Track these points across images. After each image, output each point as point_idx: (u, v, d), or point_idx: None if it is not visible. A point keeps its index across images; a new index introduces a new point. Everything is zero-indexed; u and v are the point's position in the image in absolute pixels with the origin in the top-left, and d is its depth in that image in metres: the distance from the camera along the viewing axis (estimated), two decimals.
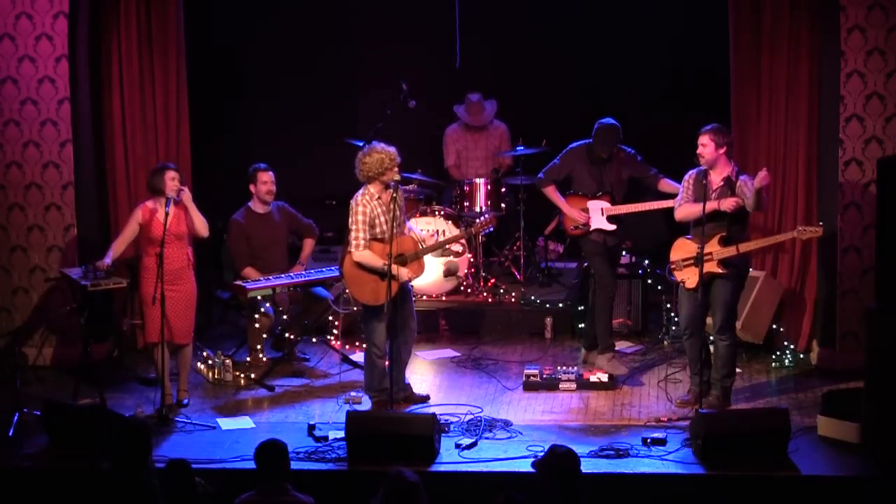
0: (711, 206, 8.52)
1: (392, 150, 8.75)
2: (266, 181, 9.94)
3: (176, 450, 8.18)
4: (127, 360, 10.17)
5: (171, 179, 8.92)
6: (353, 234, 8.75)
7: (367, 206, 8.75)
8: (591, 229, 9.57)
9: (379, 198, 8.78)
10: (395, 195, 8.68)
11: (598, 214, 9.56)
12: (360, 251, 8.72)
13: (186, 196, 8.96)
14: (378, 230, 8.75)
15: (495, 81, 12.14)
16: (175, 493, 6.66)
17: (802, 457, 7.96)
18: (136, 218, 9.00)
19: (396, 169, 8.72)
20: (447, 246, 10.81)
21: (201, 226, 9.05)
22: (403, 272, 8.74)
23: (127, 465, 6.61)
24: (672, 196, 9.14)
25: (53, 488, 7.91)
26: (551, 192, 9.65)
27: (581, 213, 9.56)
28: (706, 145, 8.64)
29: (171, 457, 8.02)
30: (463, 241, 11.06)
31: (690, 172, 8.81)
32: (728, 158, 8.70)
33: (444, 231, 11.03)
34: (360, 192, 8.81)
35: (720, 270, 8.63)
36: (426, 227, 10.73)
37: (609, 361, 9.55)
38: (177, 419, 8.75)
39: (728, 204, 8.54)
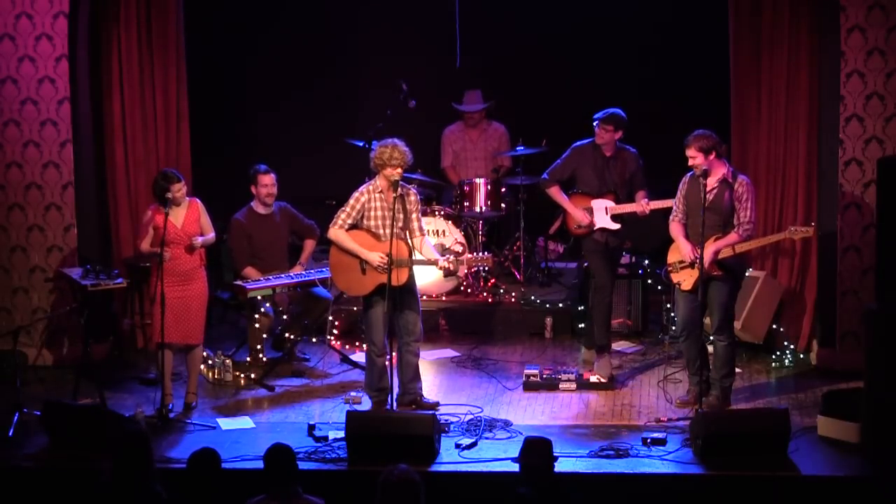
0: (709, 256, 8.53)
1: (404, 149, 8.71)
2: (266, 184, 9.93)
3: (176, 450, 8.19)
4: (127, 360, 10.17)
5: (178, 191, 8.89)
6: (338, 212, 8.79)
7: (365, 195, 8.78)
8: (594, 228, 9.56)
9: (382, 192, 8.77)
10: (395, 196, 8.67)
11: (602, 213, 9.53)
12: (335, 230, 8.77)
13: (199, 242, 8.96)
14: (372, 223, 8.76)
15: (495, 81, 12.12)
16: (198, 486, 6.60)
17: (802, 457, 7.96)
18: (149, 221, 8.89)
19: (399, 169, 8.69)
20: (447, 246, 10.80)
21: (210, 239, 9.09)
22: (374, 258, 8.69)
23: (128, 473, 6.55)
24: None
25: (53, 488, 7.90)
26: (555, 193, 9.61)
27: (584, 214, 9.53)
28: (695, 157, 8.59)
29: (171, 456, 8.04)
30: (463, 241, 11.06)
31: (685, 178, 8.79)
32: (720, 159, 8.67)
33: (444, 231, 11.05)
34: (369, 181, 8.84)
35: (716, 272, 8.63)
36: (426, 227, 10.71)
37: (598, 361, 9.53)
38: (175, 419, 8.75)
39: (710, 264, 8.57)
